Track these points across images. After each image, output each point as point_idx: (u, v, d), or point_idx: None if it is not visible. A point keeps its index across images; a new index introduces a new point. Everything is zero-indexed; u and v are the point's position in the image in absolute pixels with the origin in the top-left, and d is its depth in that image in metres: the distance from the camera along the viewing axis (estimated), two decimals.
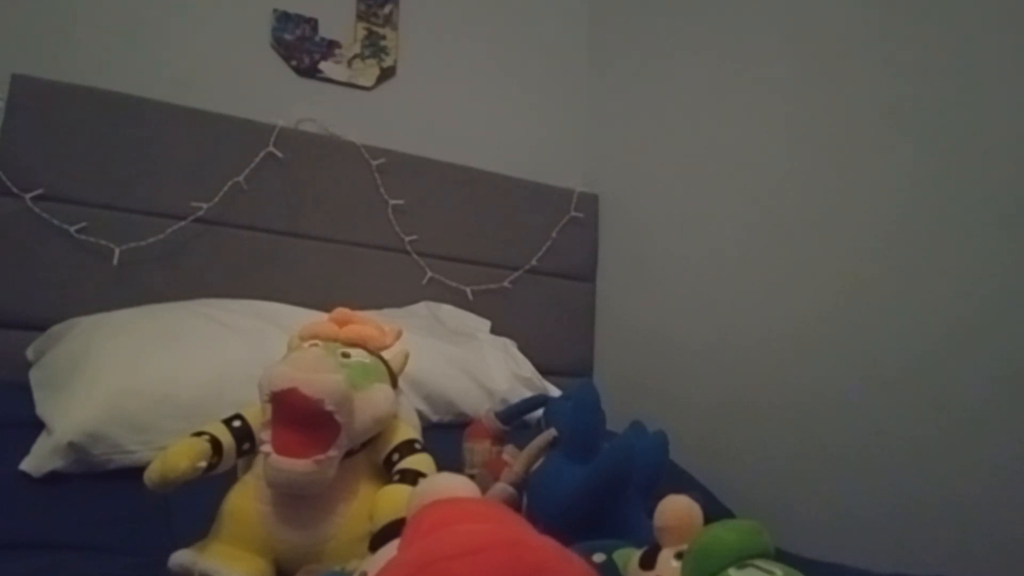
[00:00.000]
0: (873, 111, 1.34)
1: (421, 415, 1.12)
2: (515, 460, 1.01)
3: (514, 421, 1.17)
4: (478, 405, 1.36)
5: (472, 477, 1.08)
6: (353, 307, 0.93)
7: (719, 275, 1.62)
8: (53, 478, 0.98)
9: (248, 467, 0.77)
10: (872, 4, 1.37)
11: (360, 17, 1.81)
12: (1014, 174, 1.12)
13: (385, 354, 0.86)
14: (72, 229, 1.37)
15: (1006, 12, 1.15)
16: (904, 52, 1.30)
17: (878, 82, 1.33)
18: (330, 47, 1.77)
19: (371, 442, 0.77)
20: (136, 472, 0.75)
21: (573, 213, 1.95)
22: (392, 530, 0.52)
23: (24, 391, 1.11)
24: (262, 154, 1.56)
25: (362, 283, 1.66)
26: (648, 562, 0.64)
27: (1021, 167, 1.12)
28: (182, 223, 1.47)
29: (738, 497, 1.39)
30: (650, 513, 0.67)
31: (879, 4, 1.35)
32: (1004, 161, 1.14)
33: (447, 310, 1.69)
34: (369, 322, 0.87)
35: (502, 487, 0.92)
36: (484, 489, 1.00)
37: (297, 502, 0.71)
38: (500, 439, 1.13)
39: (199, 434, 0.74)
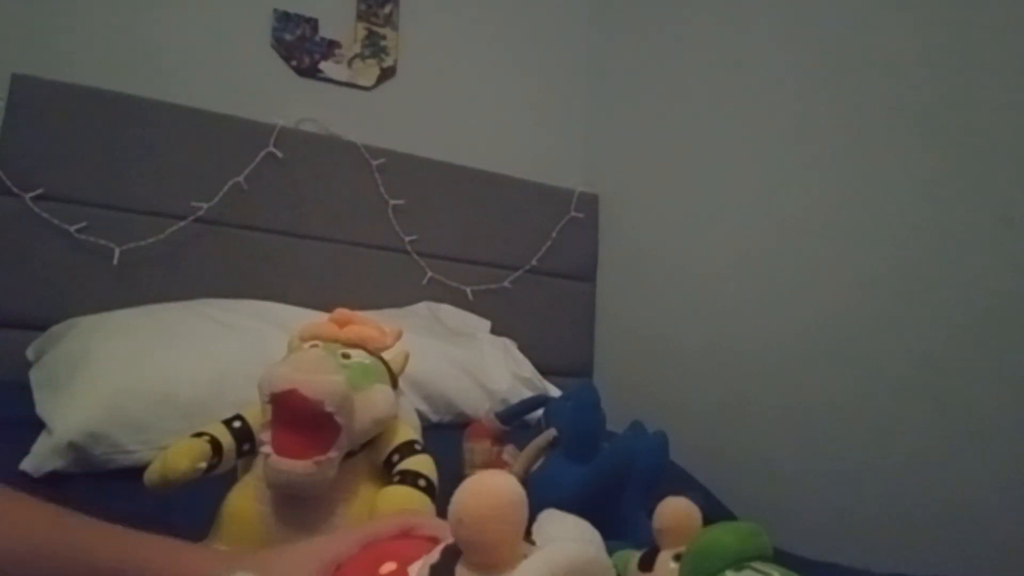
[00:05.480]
0: (876, 112, 1.34)
1: (421, 415, 1.12)
2: (515, 460, 1.02)
3: (514, 421, 1.17)
4: (478, 405, 1.36)
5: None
6: (353, 307, 0.93)
7: (720, 275, 1.62)
8: (53, 478, 0.97)
9: (248, 468, 0.76)
10: (876, 4, 1.37)
11: (360, 17, 1.81)
12: (1019, 176, 1.12)
13: (385, 355, 0.85)
14: (72, 229, 1.37)
15: (1011, 12, 1.15)
16: (909, 52, 1.29)
17: (881, 82, 1.33)
18: (330, 47, 1.77)
19: (371, 443, 0.76)
20: (136, 472, 0.75)
21: (573, 213, 1.95)
22: None
23: (24, 391, 1.11)
24: (262, 154, 1.56)
25: (362, 283, 1.66)
26: (647, 564, 0.64)
27: None
28: (182, 223, 1.47)
29: (739, 498, 1.39)
30: (650, 513, 0.67)
31: (883, 4, 1.35)
32: (1009, 163, 1.14)
33: (447, 310, 1.69)
34: (369, 323, 0.87)
35: None
36: None
37: (297, 503, 0.71)
38: (500, 439, 1.13)
39: (199, 435, 0.73)
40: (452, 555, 0.42)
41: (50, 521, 0.54)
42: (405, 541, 0.53)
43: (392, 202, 1.71)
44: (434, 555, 0.44)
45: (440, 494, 0.73)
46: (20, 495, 0.55)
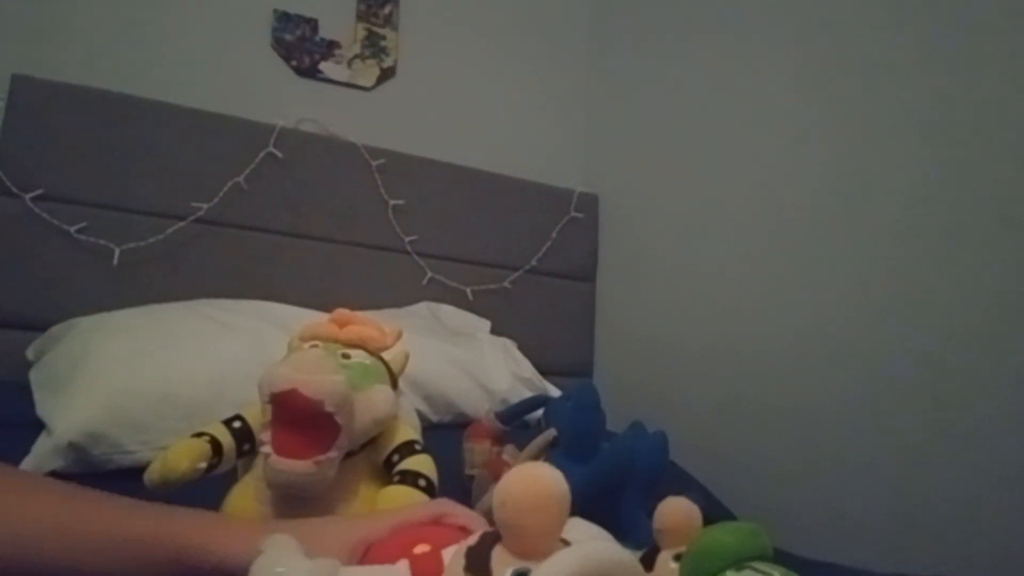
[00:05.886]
0: (876, 112, 1.34)
1: (421, 415, 1.12)
2: (515, 460, 1.01)
3: (514, 421, 1.17)
4: (478, 405, 1.36)
5: (471, 477, 1.08)
6: (353, 307, 0.93)
7: (719, 275, 1.62)
8: (53, 478, 0.98)
9: (248, 468, 0.77)
10: (875, 5, 1.37)
11: (360, 17, 1.81)
12: (1019, 176, 1.12)
13: (385, 355, 0.85)
14: (72, 229, 1.37)
15: (1011, 12, 1.15)
16: (908, 53, 1.30)
17: (881, 83, 1.33)
18: (330, 47, 1.77)
19: (371, 443, 0.76)
20: (136, 472, 0.75)
21: (573, 213, 1.95)
22: None
23: (24, 391, 1.11)
24: (262, 154, 1.57)
25: (362, 283, 1.66)
26: (647, 564, 0.64)
27: None
28: (182, 223, 1.47)
29: (739, 498, 1.39)
30: (650, 513, 0.67)
31: (882, 5, 1.35)
32: (1009, 163, 1.14)
33: (447, 310, 1.69)
34: (369, 323, 0.87)
35: None
36: (484, 490, 1.01)
37: (297, 503, 0.71)
38: (500, 439, 1.13)
39: (199, 435, 0.73)
40: (490, 540, 0.44)
41: (75, 500, 0.55)
42: (437, 527, 0.54)
43: (392, 202, 1.71)
44: (472, 539, 0.45)
45: (440, 494, 0.73)
46: (42, 478, 0.56)
